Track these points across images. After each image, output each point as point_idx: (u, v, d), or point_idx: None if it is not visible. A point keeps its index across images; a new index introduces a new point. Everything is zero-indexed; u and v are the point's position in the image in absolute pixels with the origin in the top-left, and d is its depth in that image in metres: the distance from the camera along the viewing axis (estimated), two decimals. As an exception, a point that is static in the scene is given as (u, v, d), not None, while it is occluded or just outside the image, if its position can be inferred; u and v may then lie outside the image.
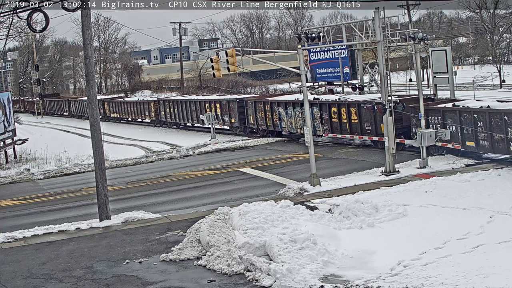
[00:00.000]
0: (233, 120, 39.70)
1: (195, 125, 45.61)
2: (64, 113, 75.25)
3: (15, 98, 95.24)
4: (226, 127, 41.54)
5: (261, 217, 16.03)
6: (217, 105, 41.08)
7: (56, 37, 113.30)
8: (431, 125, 24.66)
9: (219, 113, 40.73)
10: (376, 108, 23.40)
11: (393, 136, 22.94)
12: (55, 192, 27.23)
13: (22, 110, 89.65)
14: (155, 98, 54.45)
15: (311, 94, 37.17)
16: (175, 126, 48.57)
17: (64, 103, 75.72)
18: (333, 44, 32.51)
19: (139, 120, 55.64)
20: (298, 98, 32.85)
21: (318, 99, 32.27)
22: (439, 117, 24.67)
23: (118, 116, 59.55)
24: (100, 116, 61.98)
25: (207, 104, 42.25)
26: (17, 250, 17.48)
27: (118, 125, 56.48)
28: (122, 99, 61.49)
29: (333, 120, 30.64)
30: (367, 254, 14.15)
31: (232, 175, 26.68)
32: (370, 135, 28.66)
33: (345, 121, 29.83)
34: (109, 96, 71.07)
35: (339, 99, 31.08)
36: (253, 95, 48.56)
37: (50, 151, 36.66)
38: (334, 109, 30.73)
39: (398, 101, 25.13)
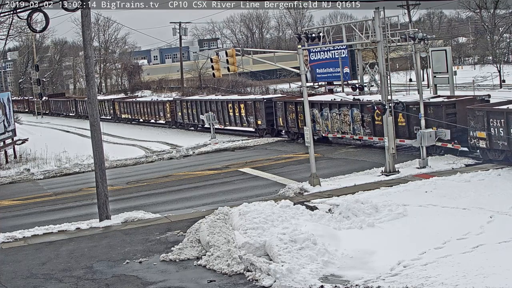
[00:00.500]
0: (259, 122, 37.23)
1: (216, 126, 42.10)
2: (71, 114, 73.47)
3: (19, 98, 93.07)
4: (251, 129, 39.40)
5: (261, 217, 16.03)
6: (241, 105, 38.78)
7: (56, 37, 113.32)
8: (492, 128, 22.11)
9: (243, 114, 38.61)
10: (376, 108, 23.39)
11: (393, 136, 22.94)
12: (55, 192, 27.24)
13: (27, 110, 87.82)
14: (171, 98, 51.82)
15: (352, 95, 34.72)
16: (192, 128, 46.16)
17: (70, 103, 73.80)
18: (333, 44, 32.50)
19: (153, 121, 53.41)
20: (334, 99, 31.06)
21: (358, 99, 29.86)
22: (502, 120, 21.71)
23: (130, 117, 57.34)
24: (110, 117, 59.71)
25: (229, 105, 40.10)
26: (17, 250, 17.48)
27: (129, 126, 54.76)
28: (134, 99, 58.97)
29: (376, 122, 27.81)
30: (367, 254, 14.15)
31: (232, 175, 26.69)
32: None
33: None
34: (119, 96, 69.19)
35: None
36: (279, 95, 44.65)
37: (50, 151, 36.66)
38: (378, 110, 28.33)
39: (444, 102, 24.25)
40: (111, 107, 61.16)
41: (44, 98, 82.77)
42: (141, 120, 55.48)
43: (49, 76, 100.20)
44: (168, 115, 48.85)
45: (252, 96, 41.94)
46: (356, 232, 15.65)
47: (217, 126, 41.12)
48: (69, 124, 63.10)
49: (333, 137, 31.63)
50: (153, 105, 51.94)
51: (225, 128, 41.73)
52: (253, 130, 39.15)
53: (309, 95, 37.81)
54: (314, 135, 31.30)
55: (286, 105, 34.69)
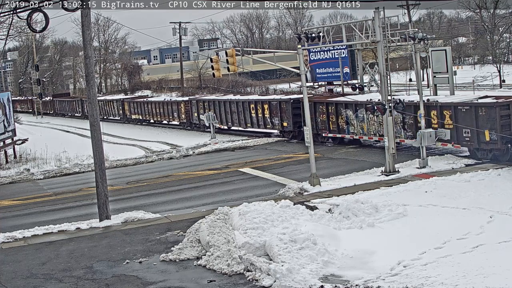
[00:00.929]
0: (285, 124, 34.79)
1: (232, 127, 40.90)
2: (76, 114, 71.00)
3: (23, 98, 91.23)
4: (275, 131, 37.00)
5: (261, 217, 16.03)
6: (265, 106, 36.32)
7: (56, 37, 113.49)
8: None
9: (267, 115, 36.27)
10: (376, 108, 23.39)
11: (393, 136, 22.94)
12: (55, 192, 27.24)
13: (31, 110, 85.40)
14: (186, 98, 48.37)
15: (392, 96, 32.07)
16: (209, 130, 42.43)
17: (76, 104, 71.30)
18: (333, 44, 32.48)
19: (165, 122, 50.94)
20: (371, 99, 28.59)
21: (400, 100, 26.72)
22: None
23: (140, 117, 54.73)
24: (118, 118, 57.78)
25: (251, 105, 37.72)
26: (17, 250, 17.48)
27: (140, 127, 52.61)
28: (145, 99, 55.96)
29: (419, 125, 25.39)
30: (367, 254, 14.15)
31: (232, 175, 26.69)
32: (470, 144, 23.85)
33: (436, 126, 24.91)
34: (130, 96, 66.45)
35: (427, 100, 25.66)
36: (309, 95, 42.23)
37: (50, 151, 36.67)
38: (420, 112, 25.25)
39: (498, 103, 22.64)
40: (120, 107, 58.40)
41: (48, 98, 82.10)
42: (152, 121, 53.13)
43: (49, 76, 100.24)
44: (183, 116, 46.01)
45: (276, 96, 39.17)
46: (356, 232, 15.65)
47: (236, 127, 39.91)
48: (69, 124, 63.07)
49: (368, 139, 29.47)
50: (166, 106, 49.17)
51: (246, 130, 39.99)
52: (278, 132, 36.78)
53: (341, 94, 36.69)
54: (346, 137, 31.11)
55: (316, 106, 32.24)
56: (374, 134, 28.47)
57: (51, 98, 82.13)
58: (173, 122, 49.13)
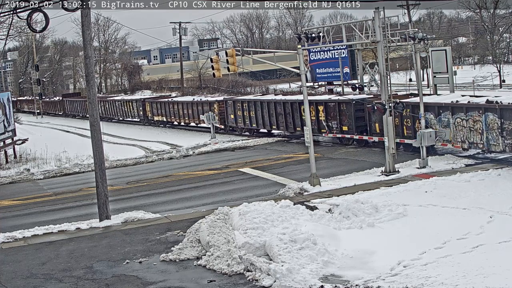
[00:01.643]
0: (345, 128, 30.42)
1: (274, 131, 36.60)
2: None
3: (30, 98, 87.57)
4: (330, 135, 31.87)
5: (261, 217, 16.03)
6: (320, 107, 31.56)
7: (56, 37, 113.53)
8: None
9: (321, 118, 31.48)
10: (376, 108, 23.39)
11: (393, 136, 22.94)
12: (55, 192, 27.24)
13: (38, 111, 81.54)
14: (221, 98, 44.02)
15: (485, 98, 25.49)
16: (247, 133, 39.46)
17: None
18: (333, 44, 32.46)
19: (193, 124, 45.77)
20: (457, 101, 24.83)
21: (496, 102, 22.81)
22: None
23: (164, 119, 49.53)
24: (138, 119, 53.65)
25: (302, 107, 30.39)
26: (17, 250, 17.48)
27: (163, 130, 48.99)
28: (170, 99, 50.57)
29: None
30: (367, 254, 14.15)
31: (232, 175, 26.68)
32: None
33: None
34: (152, 96, 60.83)
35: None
36: (368, 95, 33.41)
37: (50, 151, 36.67)
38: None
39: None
40: (141, 108, 53.28)
41: (57, 98, 79.13)
42: (177, 123, 48.10)
43: (49, 76, 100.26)
44: (217, 118, 40.67)
45: (333, 97, 33.81)
46: (356, 232, 15.66)
47: (279, 131, 36.43)
48: (69, 124, 63.04)
49: (453, 148, 25.06)
50: (195, 106, 43.91)
51: (294, 134, 35.12)
52: (339, 137, 31.34)
53: (415, 95, 30.09)
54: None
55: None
56: (463, 141, 24.12)
57: (61, 98, 77.94)
58: (204, 125, 43.50)
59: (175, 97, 55.45)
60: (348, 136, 30.50)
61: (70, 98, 75.95)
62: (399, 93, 33.39)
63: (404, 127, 26.84)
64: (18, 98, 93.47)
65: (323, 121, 31.51)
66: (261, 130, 38.20)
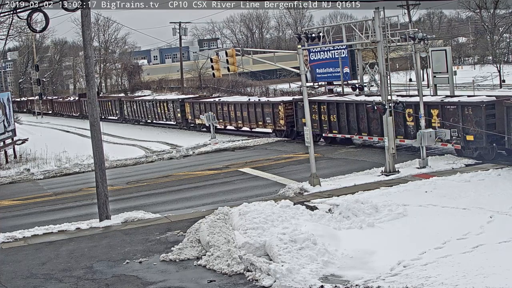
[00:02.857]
0: (470, 138, 23.82)
1: (365, 141, 30.39)
2: (111, 117, 59.98)
3: (43, 98, 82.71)
4: (450, 145, 24.86)
5: (261, 217, 16.03)
6: (434, 111, 25.31)
7: (56, 37, 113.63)
8: None
9: (435, 123, 25.11)
10: (376, 108, 23.39)
11: (393, 136, 22.94)
12: (55, 192, 27.24)
13: (50, 112, 78.10)
14: (289, 99, 37.97)
15: None
16: (323, 141, 32.90)
17: (113, 104, 59.76)
18: (333, 44, 32.46)
19: (246, 128, 40.65)
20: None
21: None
22: None
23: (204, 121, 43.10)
24: (175, 122, 48.18)
25: (408, 110, 26.13)
26: (17, 250, 17.48)
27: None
28: (218, 99, 44.50)
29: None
30: (367, 254, 14.15)
31: (232, 175, 26.68)
32: None
33: None
34: (190, 96, 52.99)
35: None
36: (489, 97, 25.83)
37: (50, 151, 36.67)
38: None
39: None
40: (178, 110, 46.93)
41: (72, 98, 73.98)
42: (233, 127, 41.78)
43: (49, 76, 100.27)
44: (282, 121, 35.32)
45: (454, 99, 25.91)
46: (356, 232, 15.66)
47: (352, 136, 30.57)
48: (69, 124, 63.02)
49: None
50: (252, 108, 38.23)
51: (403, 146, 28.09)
52: (459, 147, 24.48)
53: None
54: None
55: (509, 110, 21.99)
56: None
57: (77, 98, 71.17)
58: (264, 130, 38.38)
59: (217, 97, 50.31)
60: (473, 146, 23.92)
61: (86, 98, 71.89)
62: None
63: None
64: (29, 98, 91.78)
65: (437, 126, 24.99)
66: (347, 136, 30.88)
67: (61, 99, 77.38)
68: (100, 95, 76.45)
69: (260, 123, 37.72)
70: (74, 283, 14.19)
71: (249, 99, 40.33)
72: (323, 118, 31.98)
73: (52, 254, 16.73)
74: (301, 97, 35.70)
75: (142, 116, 53.90)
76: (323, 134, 32.49)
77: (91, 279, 14.35)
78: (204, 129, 43.50)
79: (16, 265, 15.98)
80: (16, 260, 16.44)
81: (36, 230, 19.13)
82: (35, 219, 21.59)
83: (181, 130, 46.82)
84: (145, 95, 64.43)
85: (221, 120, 41.61)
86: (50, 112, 77.41)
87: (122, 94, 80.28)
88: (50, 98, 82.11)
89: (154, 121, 52.32)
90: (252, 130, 40.09)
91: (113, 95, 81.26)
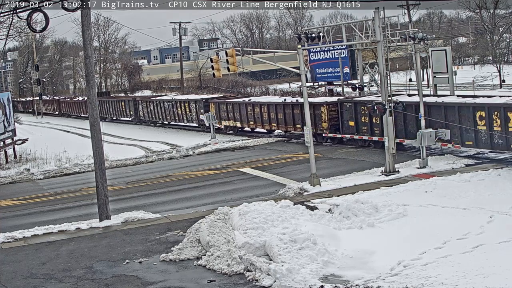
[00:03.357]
0: None
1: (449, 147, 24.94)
2: (124, 118, 56.86)
3: (48, 98, 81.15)
4: None
5: (261, 217, 16.03)
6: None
7: (56, 37, 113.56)
8: None
9: None
10: (376, 108, 23.39)
11: (393, 136, 22.94)
12: (55, 192, 27.23)
13: (57, 112, 75.08)
14: (334, 99, 33.35)
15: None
16: (381, 147, 26.18)
17: (127, 105, 55.81)
18: (333, 44, 32.46)
19: (280, 131, 36.86)
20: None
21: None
22: None
23: (238, 124, 39.63)
24: (197, 124, 43.98)
25: (496, 112, 22.62)
26: (17, 250, 17.48)
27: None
28: (246, 99, 40.11)
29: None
30: (367, 254, 14.15)
31: (232, 175, 26.68)
32: None
33: None
34: (214, 95, 49.79)
35: None
36: None
37: (50, 151, 36.67)
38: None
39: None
40: (202, 110, 42.64)
41: (82, 98, 69.35)
42: (265, 130, 38.40)
43: (49, 76, 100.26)
44: (325, 125, 31.83)
45: None
46: (356, 232, 15.66)
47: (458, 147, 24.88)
48: (69, 124, 62.98)
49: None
50: (290, 109, 34.54)
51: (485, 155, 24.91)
52: None
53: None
54: None
55: None
56: None
57: (86, 98, 69.11)
58: (301, 133, 32.36)
59: (246, 96, 46.31)
60: None
61: (100, 98, 60.87)
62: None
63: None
64: (35, 99, 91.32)
65: None
66: (405, 142, 27.09)
67: (69, 99, 73.37)
68: (112, 95, 74.55)
69: (298, 126, 33.80)
70: (74, 283, 14.19)
71: (284, 99, 36.53)
72: (361, 120, 29.45)
73: (52, 254, 16.73)
74: (346, 97, 35.00)
75: (160, 117, 50.14)
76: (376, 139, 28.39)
77: (91, 279, 14.35)
78: (231, 131, 40.70)
79: (16, 265, 15.98)
80: (16, 260, 16.44)
81: (36, 230, 19.14)
82: (35, 219, 21.58)
83: (180, 130, 46.79)
84: (163, 95, 58.47)
85: (251, 123, 38.23)
86: (57, 113, 74.14)
87: (122, 94, 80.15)
88: (57, 98, 78.77)
89: (173, 123, 49.14)
90: (287, 133, 36.45)
91: (122, 94, 79.76)
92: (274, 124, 36.23)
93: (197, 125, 44.98)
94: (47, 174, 32.36)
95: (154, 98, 52.01)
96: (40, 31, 25.13)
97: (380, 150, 26.09)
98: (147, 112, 52.18)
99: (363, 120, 29.26)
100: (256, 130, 39.77)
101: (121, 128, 52.65)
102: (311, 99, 33.37)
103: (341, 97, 35.64)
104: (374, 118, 28.13)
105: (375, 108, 23.35)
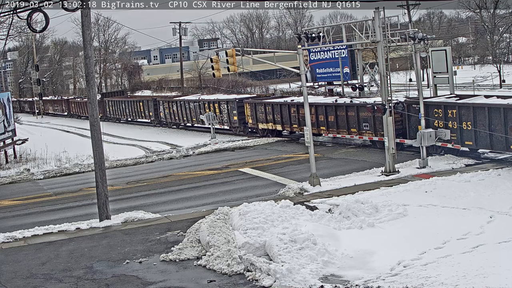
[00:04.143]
0: None
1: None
2: (141, 119, 53.89)
3: (55, 98, 79.32)
4: None
5: (261, 217, 16.03)
6: None
7: (56, 37, 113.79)
8: None
9: None
10: (376, 108, 23.39)
11: (393, 136, 22.94)
12: (55, 192, 27.23)
13: (66, 113, 72.57)
14: (401, 99, 28.04)
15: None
16: (458, 156, 24.43)
17: (144, 105, 52.36)
18: (333, 44, 32.46)
19: (344, 137, 31.40)
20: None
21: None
22: None
23: (279, 127, 35.41)
24: (229, 127, 40.45)
25: None
26: (17, 250, 17.48)
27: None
28: (288, 99, 36.13)
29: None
30: (367, 254, 14.15)
31: (232, 175, 26.68)
32: None
33: None
34: (248, 95, 46.29)
35: None
36: None
37: (50, 151, 36.68)
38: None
39: None
40: (234, 112, 39.54)
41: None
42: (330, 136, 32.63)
43: (49, 76, 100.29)
44: (370, 130, 28.65)
45: None
46: (356, 232, 15.66)
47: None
48: (69, 124, 62.98)
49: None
50: (343, 111, 30.42)
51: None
52: None
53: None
54: None
55: None
56: None
57: (100, 97, 61.18)
58: (354, 137, 30.59)
59: (287, 96, 42.66)
60: None
61: (113, 98, 60.65)
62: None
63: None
64: (39, 99, 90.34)
65: None
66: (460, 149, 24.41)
67: (79, 99, 68.76)
68: (128, 94, 71.69)
69: (353, 130, 29.82)
70: (74, 283, 14.19)
71: (335, 100, 32.23)
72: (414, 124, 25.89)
73: (52, 254, 16.73)
74: (412, 98, 29.26)
75: (185, 119, 45.82)
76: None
77: (91, 279, 14.35)
78: (270, 134, 36.63)
79: (16, 265, 15.98)
80: (16, 260, 16.44)
81: (36, 230, 19.14)
82: (35, 219, 21.58)
83: (180, 130, 46.74)
84: (173, 94, 55.32)
85: (295, 126, 34.05)
86: (66, 113, 71.23)
87: (139, 93, 79.96)
88: (66, 98, 75.35)
89: (199, 125, 45.03)
90: (319, 135, 32.98)
91: (141, 94, 77.17)
92: (323, 127, 31.96)
93: (228, 128, 41.33)
94: (47, 174, 32.36)
95: (179, 98, 47.95)
96: (40, 31, 25.15)
97: (380, 150, 26.10)
98: (169, 113, 48.16)
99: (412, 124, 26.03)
100: (298, 133, 35.02)
101: (120, 128, 52.62)
102: (365, 99, 31.48)
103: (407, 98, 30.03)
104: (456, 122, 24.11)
105: (375, 108, 23.32)
